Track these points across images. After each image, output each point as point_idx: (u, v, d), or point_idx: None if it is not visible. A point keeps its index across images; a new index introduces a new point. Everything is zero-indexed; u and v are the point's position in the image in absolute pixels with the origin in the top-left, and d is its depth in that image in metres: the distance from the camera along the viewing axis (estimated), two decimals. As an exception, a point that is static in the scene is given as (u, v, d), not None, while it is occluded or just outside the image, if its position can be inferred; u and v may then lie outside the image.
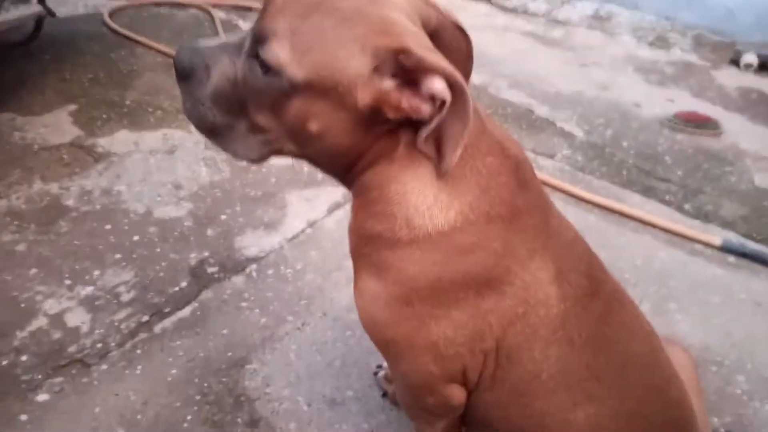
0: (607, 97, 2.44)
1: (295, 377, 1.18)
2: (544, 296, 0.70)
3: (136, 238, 1.51)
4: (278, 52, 0.61)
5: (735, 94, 2.54)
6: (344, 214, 1.64)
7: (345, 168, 0.71)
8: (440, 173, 0.66)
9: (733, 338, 1.36)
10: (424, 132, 0.63)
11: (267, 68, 0.62)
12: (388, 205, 0.69)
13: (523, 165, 0.72)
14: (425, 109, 0.61)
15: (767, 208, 1.83)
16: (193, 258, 1.46)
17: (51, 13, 2.10)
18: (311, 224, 1.61)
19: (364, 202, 0.71)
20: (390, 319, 0.71)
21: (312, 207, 1.68)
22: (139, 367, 1.18)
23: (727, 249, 1.61)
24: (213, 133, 0.71)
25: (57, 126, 1.95)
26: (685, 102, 2.44)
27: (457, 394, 0.77)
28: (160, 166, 1.81)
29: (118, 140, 1.91)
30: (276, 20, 0.62)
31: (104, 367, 1.17)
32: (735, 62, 2.74)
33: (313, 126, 0.65)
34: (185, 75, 0.68)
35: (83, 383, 1.14)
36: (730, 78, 2.66)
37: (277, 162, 1.87)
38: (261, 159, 0.72)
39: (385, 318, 0.72)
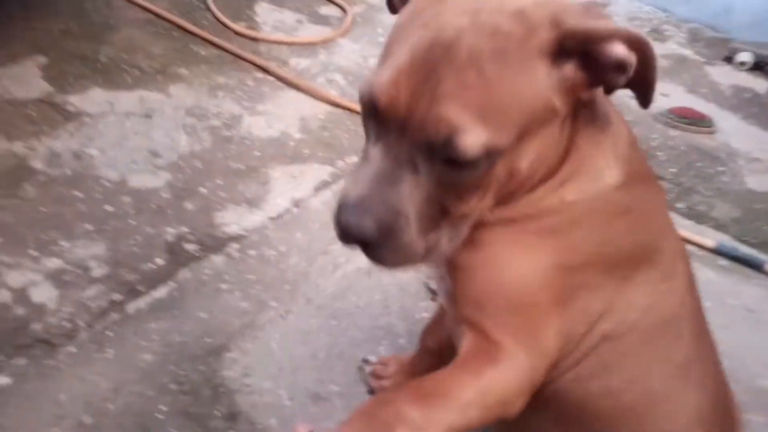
0: (602, 87, 2.39)
1: (277, 369, 1.11)
2: (678, 270, 0.72)
3: (108, 208, 1.41)
4: (474, 141, 0.54)
5: (729, 92, 2.51)
6: (332, 195, 1.56)
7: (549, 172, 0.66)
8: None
9: (724, 346, 1.33)
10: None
11: (466, 162, 0.55)
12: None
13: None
14: (616, 78, 0.58)
15: (759, 211, 1.81)
16: (171, 233, 1.37)
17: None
18: (297, 203, 1.52)
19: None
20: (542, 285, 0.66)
21: (297, 185, 1.59)
22: (110, 350, 1.09)
23: (720, 252, 1.59)
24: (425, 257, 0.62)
25: (24, 79, 1.80)
26: (680, 97, 2.40)
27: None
28: (137, 130, 1.69)
29: (91, 99, 1.78)
30: (445, 110, 0.54)
31: (72, 349, 1.09)
32: (729, 59, 2.71)
33: (524, 165, 0.60)
34: (383, 236, 0.57)
35: (48, 366, 1.05)
36: (724, 75, 2.63)
37: (261, 134, 1.78)
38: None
39: (536, 284, 0.65)
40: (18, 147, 1.53)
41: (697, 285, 0.79)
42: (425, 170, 0.57)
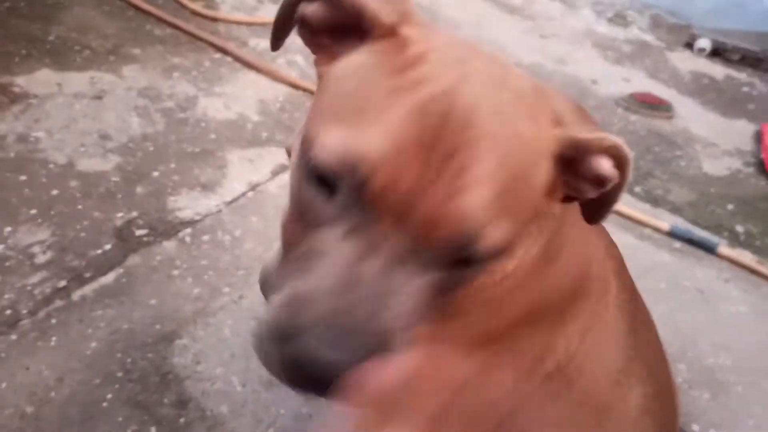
0: (564, 72, 2.40)
1: (229, 355, 1.09)
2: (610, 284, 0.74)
3: (54, 192, 1.35)
4: (498, 236, 0.45)
5: (688, 78, 2.55)
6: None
7: None
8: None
9: (676, 326, 1.36)
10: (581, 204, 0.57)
11: (479, 259, 0.46)
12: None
13: None
14: (590, 190, 0.53)
15: (713, 195, 1.85)
16: (120, 218, 1.32)
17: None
18: (253, 187, 1.49)
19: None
20: None
21: (255, 168, 1.56)
22: (54, 338, 1.05)
23: (674, 235, 1.61)
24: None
25: (-34, 59, 1.72)
26: (641, 82, 2.43)
27: None
28: (86, 112, 1.63)
29: (39, 80, 1.71)
30: (474, 203, 0.43)
31: (13, 337, 1.05)
32: (689, 45, 2.75)
33: (510, 266, 0.56)
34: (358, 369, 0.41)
35: (-14, 356, 1.01)
36: (683, 61, 2.67)
37: (217, 116, 1.73)
38: None
39: None
40: (-42, 128, 1.47)
41: (629, 281, 0.82)
42: (427, 273, 0.45)
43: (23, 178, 1.37)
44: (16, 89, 1.65)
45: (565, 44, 2.65)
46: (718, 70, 2.63)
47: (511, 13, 2.82)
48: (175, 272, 1.22)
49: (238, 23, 2.11)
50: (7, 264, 1.17)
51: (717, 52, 2.71)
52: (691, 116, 2.27)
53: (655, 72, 2.55)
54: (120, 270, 1.20)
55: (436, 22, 2.56)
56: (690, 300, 1.44)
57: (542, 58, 2.46)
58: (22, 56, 1.79)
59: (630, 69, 2.53)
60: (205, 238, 1.32)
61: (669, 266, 1.52)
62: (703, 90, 2.48)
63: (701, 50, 2.70)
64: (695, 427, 1.16)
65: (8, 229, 1.24)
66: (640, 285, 1.45)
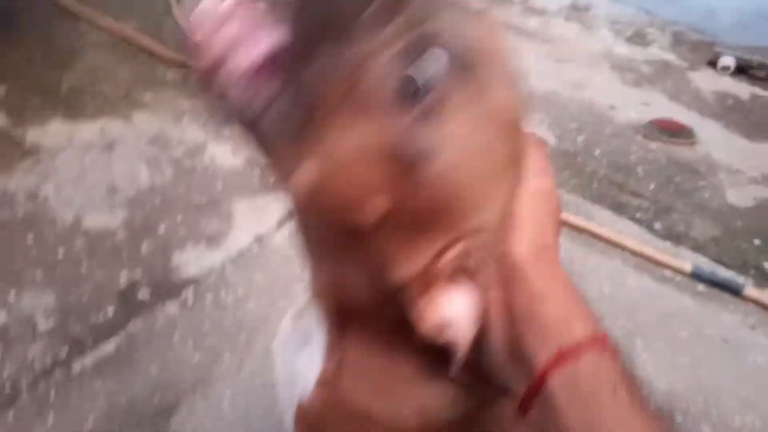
0: (581, 98, 2.34)
1: (228, 430, 1.07)
2: None
3: (60, 252, 1.36)
4: None
5: (711, 99, 2.46)
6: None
7: None
8: None
9: (699, 380, 1.29)
10: None
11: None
12: None
13: None
14: None
15: (738, 229, 1.77)
16: (123, 279, 1.32)
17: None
18: (258, 239, 1.48)
19: None
20: None
21: (261, 218, 1.54)
22: (52, 416, 1.05)
23: (697, 276, 1.54)
24: None
25: (-20, 112, 1.75)
26: (661, 106, 2.35)
27: None
28: (96, 164, 1.64)
29: (51, 132, 1.73)
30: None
31: (11, 414, 1.04)
32: (713, 63, 2.66)
33: None
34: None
35: (-16, 435, 1.01)
36: (706, 80, 2.58)
37: (225, 163, 1.73)
38: None
39: None
40: (-32, 187, 1.49)
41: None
42: None
43: (30, 237, 1.38)
44: (28, 142, 1.67)
45: (583, 68, 2.58)
46: (743, 89, 2.54)
47: (527, 38, 2.76)
48: (176, 337, 1.21)
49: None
50: (11, 334, 1.17)
51: (742, 70, 2.61)
52: (715, 141, 2.18)
53: (676, 94, 2.46)
54: (121, 336, 1.20)
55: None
56: (714, 350, 1.37)
57: (558, 85, 2.40)
58: (35, 107, 1.81)
59: (650, 92, 2.45)
60: (208, 297, 1.31)
61: (691, 312, 1.45)
62: (727, 111, 2.38)
63: (725, 68, 2.60)
64: (720, 497, 1.09)
65: (13, 293, 1.25)
66: (660, 334, 1.38)
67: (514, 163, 0.44)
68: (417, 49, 0.37)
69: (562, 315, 0.42)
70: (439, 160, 0.37)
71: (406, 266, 0.41)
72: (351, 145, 0.38)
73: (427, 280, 0.41)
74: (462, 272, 0.42)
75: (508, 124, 0.43)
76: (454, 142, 0.38)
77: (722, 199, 1.90)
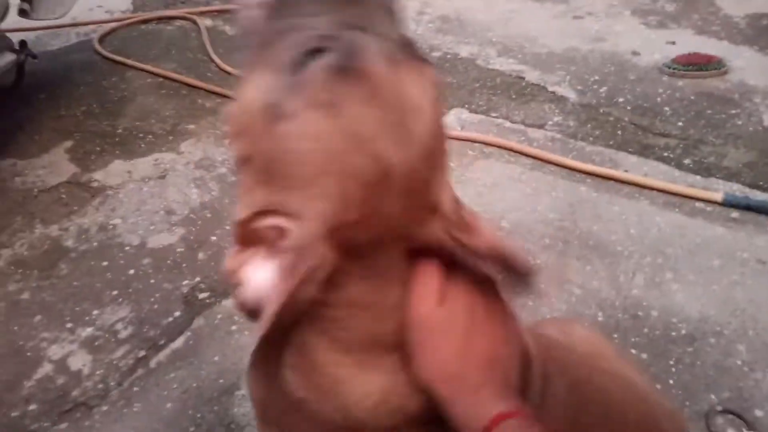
0: (602, 50, 2.33)
1: (283, 399, 1.21)
2: None
3: (131, 271, 1.55)
4: None
5: (743, 24, 2.38)
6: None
7: None
8: None
9: (734, 304, 1.30)
10: None
11: None
12: None
13: None
14: None
15: (775, 150, 1.73)
16: (186, 285, 1.50)
17: (32, 56, 2.14)
18: (299, 234, 1.62)
19: None
20: None
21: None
22: (137, 405, 1.23)
23: (729, 203, 1.53)
24: None
25: (54, 166, 2.00)
26: (688, 42, 2.30)
27: None
28: (153, 192, 1.84)
29: (112, 172, 1.95)
30: None
31: (105, 408, 1.23)
32: (743, -14, 2.56)
33: None
34: None
35: (86, 427, 1.20)
36: (737, 5, 2.49)
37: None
38: None
39: None
40: (53, 230, 1.72)
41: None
42: None
43: (105, 263, 1.59)
44: (95, 184, 1.90)
45: (602, 20, 2.56)
46: (778, 7, 2.43)
47: (541, 2, 2.77)
48: (234, 327, 1.37)
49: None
50: (97, 343, 1.36)
51: (775, -12, 2.49)
52: (749, 66, 2.12)
53: (705, 26, 2.40)
54: (188, 333, 1.37)
55: (464, 28, 2.58)
56: (749, 273, 1.37)
57: (577, 41, 2.40)
58: (97, 153, 2.05)
59: (675, 30, 2.40)
60: (258, 291, 1.46)
61: (723, 240, 1.45)
62: (761, 33, 2.30)
63: (756, -10, 2.50)
64: (758, 412, 1.10)
65: (96, 311, 1.45)
66: (691, 266, 1.39)
67: (353, 181, 0.46)
68: (330, 40, 0.46)
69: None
70: (290, 123, 0.46)
71: (240, 209, 0.50)
72: (248, 89, 0.49)
73: (245, 233, 0.50)
74: (276, 248, 0.48)
75: (359, 141, 0.46)
76: (307, 117, 0.46)
77: (759, 124, 1.86)
